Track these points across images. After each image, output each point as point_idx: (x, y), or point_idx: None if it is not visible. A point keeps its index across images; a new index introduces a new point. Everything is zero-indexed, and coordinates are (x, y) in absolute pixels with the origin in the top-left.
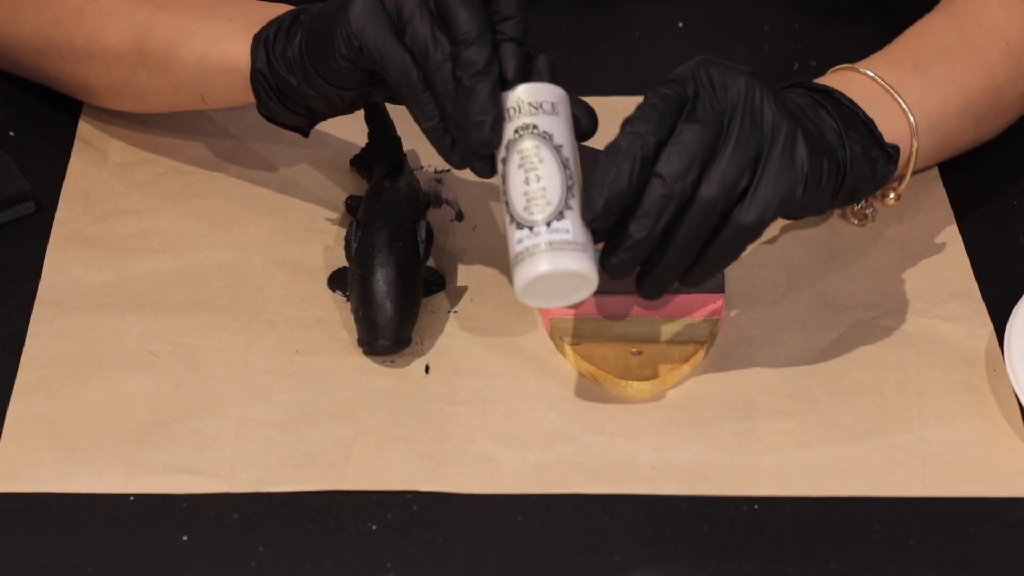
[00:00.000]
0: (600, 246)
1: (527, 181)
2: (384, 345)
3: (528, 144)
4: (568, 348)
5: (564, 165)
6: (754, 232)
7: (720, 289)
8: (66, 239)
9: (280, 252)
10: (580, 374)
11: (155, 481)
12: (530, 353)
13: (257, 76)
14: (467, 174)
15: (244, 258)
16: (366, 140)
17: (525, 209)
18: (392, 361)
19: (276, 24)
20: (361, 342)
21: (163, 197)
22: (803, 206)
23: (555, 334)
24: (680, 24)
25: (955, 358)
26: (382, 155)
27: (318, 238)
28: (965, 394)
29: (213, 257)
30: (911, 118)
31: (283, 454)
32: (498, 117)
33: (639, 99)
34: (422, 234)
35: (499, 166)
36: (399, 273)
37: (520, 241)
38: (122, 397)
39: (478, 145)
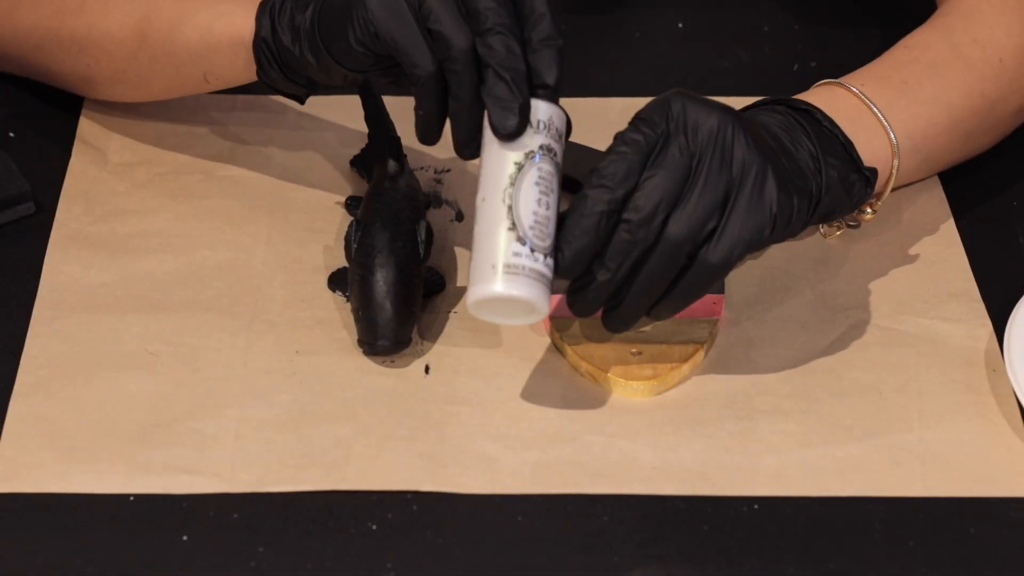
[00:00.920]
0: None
1: (539, 203)
2: (384, 345)
3: (548, 167)
4: (568, 348)
5: (559, 200)
6: (721, 271)
7: (720, 289)
8: (66, 239)
9: (280, 252)
10: (580, 374)
11: (155, 481)
12: (530, 353)
13: (260, 44)
14: (467, 173)
15: (244, 258)
16: (366, 140)
17: (532, 228)
18: (392, 361)
19: None
20: (361, 342)
21: (163, 197)
22: (774, 241)
23: (555, 334)
24: (680, 24)
25: (955, 358)
26: (382, 155)
27: (318, 238)
28: (965, 394)
29: (213, 257)
30: (893, 138)
31: (283, 454)
32: (526, 105)
33: (639, 99)
34: (422, 234)
35: (509, 165)
36: (399, 273)
37: (519, 255)
38: (122, 397)
39: (504, 132)
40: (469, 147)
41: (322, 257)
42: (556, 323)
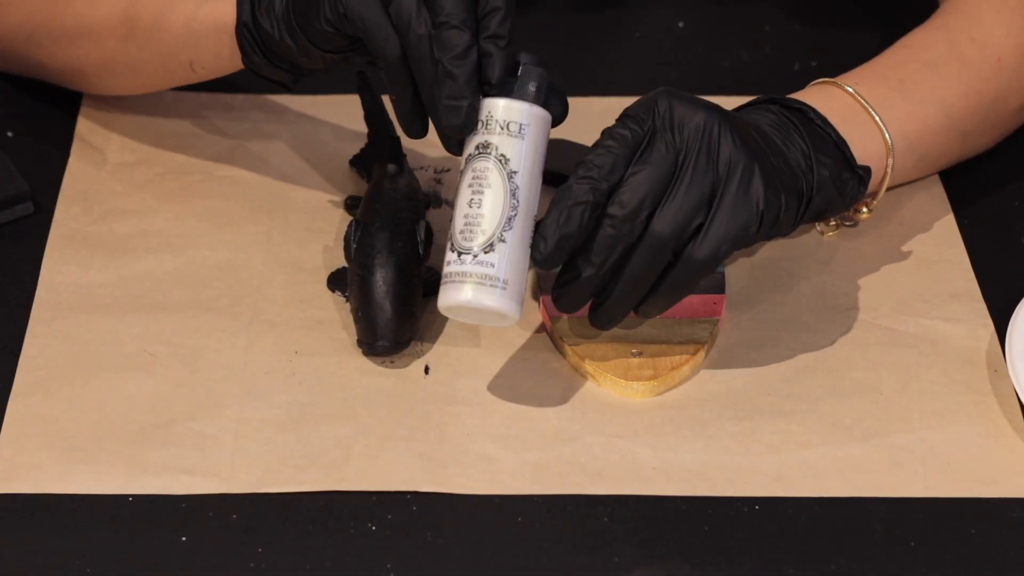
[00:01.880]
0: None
1: (470, 203)
2: (384, 346)
3: (480, 164)
4: (568, 348)
5: (512, 194)
6: (707, 268)
7: (720, 289)
8: (65, 239)
9: (280, 252)
10: (580, 374)
11: (154, 482)
12: (530, 353)
13: (242, 29)
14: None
15: (244, 258)
16: (366, 140)
17: (461, 233)
18: (392, 362)
19: None
20: (360, 343)
21: (162, 197)
22: (762, 238)
23: (555, 334)
24: (680, 24)
25: (956, 358)
26: (382, 155)
27: (318, 238)
28: (966, 395)
29: (213, 257)
30: (887, 137)
31: (283, 454)
32: (474, 104)
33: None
34: (422, 234)
35: (464, 172)
36: (399, 273)
37: (449, 263)
38: (121, 398)
39: (450, 129)
40: (447, 140)
41: (322, 257)
42: (556, 323)
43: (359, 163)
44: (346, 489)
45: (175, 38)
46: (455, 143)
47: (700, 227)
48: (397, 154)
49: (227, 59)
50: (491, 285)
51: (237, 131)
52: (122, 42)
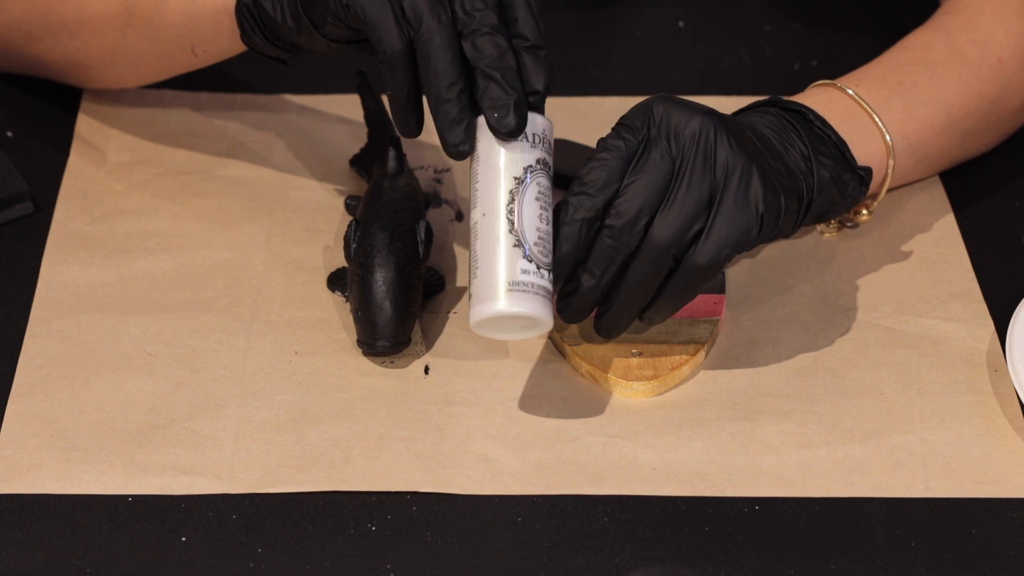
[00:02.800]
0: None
1: (540, 218)
2: (383, 346)
3: (545, 182)
4: (568, 348)
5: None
6: (709, 273)
7: (720, 289)
8: (64, 239)
9: (280, 252)
10: (580, 374)
11: (154, 482)
12: (530, 353)
13: (242, 9)
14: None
15: (244, 258)
16: (366, 140)
17: (536, 244)
18: (391, 362)
19: None
20: (360, 343)
21: (162, 197)
22: (763, 240)
23: (555, 334)
24: (680, 24)
25: (956, 359)
26: (382, 155)
27: (318, 238)
28: (967, 395)
29: (212, 257)
30: (887, 138)
31: (282, 455)
32: (522, 102)
33: (639, 99)
34: (422, 234)
35: (509, 180)
36: (399, 273)
37: (526, 272)
38: (121, 398)
39: (503, 128)
40: (450, 141)
41: (321, 257)
42: (556, 324)
43: (359, 163)
44: (346, 489)
45: (175, 23)
46: (455, 145)
47: (700, 232)
48: (397, 154)
49: (228, 41)
50: (551, 303)
51: (237, 131)
52: (121, 31)
